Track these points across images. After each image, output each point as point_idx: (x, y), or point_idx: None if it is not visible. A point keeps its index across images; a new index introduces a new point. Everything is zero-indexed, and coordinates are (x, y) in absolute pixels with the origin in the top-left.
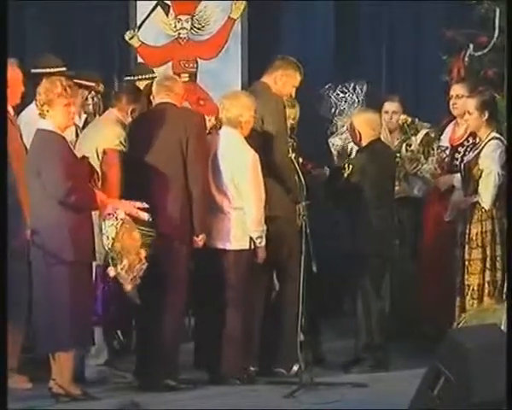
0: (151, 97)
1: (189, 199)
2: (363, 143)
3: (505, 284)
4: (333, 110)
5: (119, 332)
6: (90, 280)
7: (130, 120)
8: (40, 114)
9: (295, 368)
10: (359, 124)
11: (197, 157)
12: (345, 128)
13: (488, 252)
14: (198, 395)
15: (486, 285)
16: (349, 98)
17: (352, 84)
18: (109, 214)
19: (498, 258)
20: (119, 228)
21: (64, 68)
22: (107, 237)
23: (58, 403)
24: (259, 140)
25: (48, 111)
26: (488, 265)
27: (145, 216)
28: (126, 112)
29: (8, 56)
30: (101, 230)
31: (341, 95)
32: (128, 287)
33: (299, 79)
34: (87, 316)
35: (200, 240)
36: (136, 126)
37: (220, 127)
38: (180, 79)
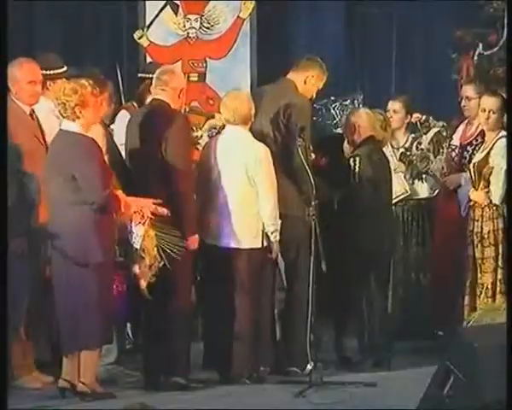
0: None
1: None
2: (360, 139)
3: (498, 284)
4: (333, 122)
5: (129, 331)
6: (112, 278)
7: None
8: (68, 116)
9: (309, 367)
10: (356, 119)
11: (178, 162)
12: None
13: (500, 250)
14: (207, 395)
15: (498, 283)
16: (349, 110)
17: (350, 99)
18: (135, 213)
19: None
20: (146, 226)
21: (65, 68)
22: (136, 236)
23: (82, 402)
24: (281, 138)
25: (80, 112)
26: (500, 263)
27: (164, 211)
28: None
29: (7, 56)
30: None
31: (341, 107)
32: (144, 284)
33: (324, 82)
34: (111, 314)
35: (191, 242)
36: (128, 124)
37: (221, 128)
38: (179, 72)
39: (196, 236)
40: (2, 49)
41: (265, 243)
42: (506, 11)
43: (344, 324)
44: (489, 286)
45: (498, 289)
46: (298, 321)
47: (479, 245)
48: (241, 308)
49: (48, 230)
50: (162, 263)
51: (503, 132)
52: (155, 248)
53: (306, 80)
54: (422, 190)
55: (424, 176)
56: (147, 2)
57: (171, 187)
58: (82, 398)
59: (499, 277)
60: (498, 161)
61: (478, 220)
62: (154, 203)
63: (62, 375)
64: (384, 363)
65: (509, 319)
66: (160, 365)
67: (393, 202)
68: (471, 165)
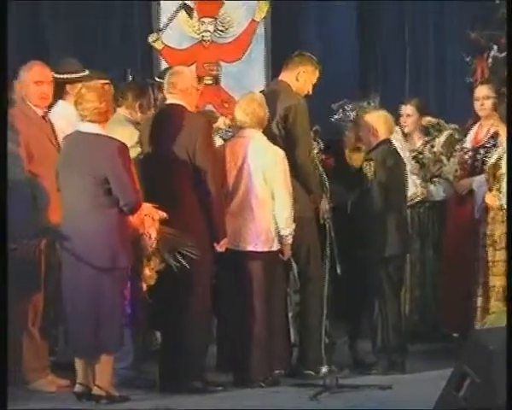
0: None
1: (203, 206)
2: (377, 141)
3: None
4: (350, 123)
5: (157, 334)
6: (127, 282)
7: (139, 115)
8: (104, 119)
9: (324, 370)
10: (374, 121)
11: (207, 165)
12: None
13: None
14: (221, 397)
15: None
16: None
17: (366, 101)
18: (146, 216)
19: None
20: (157, 228)
21: (86, 72)
22: (150, 237)
23: (98, 405)
24: (282, 141)
25: (109, 114)
26: None
27: (163, 215)
28: (134, 108)
29: (7, 56)
30: None
31: (357, 108)
32: (146, 286)
33: (317, 76)
34: (128, 317)
35: (221, 246)
36: (144, 131)
37: (237, 130)
38: (188, 71)
39: (226, 239)
40: (2, 50)
41: (279, 246)
42: (506, 11)
43: (358, 326)
44: (500, 289)
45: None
46: (312, 324)
47: (490, 248)
48: (256, 311)
49: (64, 232)
50: (172, 265)
51: None
52: (166, 251)
53: (298, 77)
54: (437, 192)
55: (437, 179)
56: (161, 5)
57: (202, 190)
58: (97, 401)
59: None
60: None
61: (490, 223)
62: (154, 207)
63: (78, 379)
64: (399, 365)
65: (510, 321)
66: (176, 368)
67: (409, 204)
68: (486, 167)
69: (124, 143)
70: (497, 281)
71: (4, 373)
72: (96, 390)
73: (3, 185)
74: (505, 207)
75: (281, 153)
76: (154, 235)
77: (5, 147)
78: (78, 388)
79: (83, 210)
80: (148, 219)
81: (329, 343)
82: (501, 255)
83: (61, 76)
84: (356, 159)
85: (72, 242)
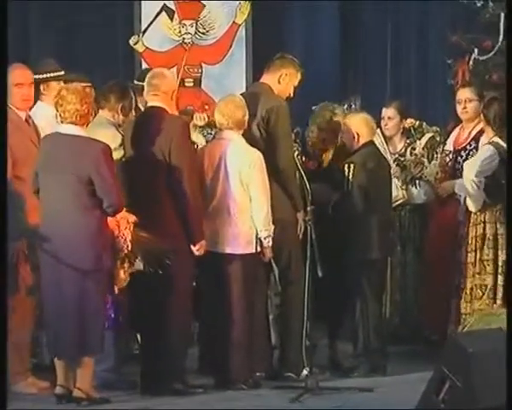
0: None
1: (180, 208)
2: (359, 145)
3: (499, 288)
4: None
5: (138, 336)
6: (109, 283)
7: (121, 118)
8: (85, 121)
9: (305, 372)
10: (356, 124)
11: (183, 166)
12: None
13: (478, 256)
14: (202, 400)
15: (475, 288)
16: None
17: (347, 104)
18: (121, 218)
19: (490, 262)
20: (131, 230)
21: (62, 73)
22: (125, 240)
23: (78, 407)
24: (263, 144)
25: (91, 119)
26: (477, 269)
27: (134, 218)
28: (116, 111)
29: (8, 57)
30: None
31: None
32: (117, 289)
33: (299, 79)
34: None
35: (198, 249)
36: (127, 134)
37: (216, 132)
38: (169, 74)
39: (204, 241)
40: (3, 53)
41: (259, 249)
42: (505, 11)
43: (339, 329)
44: (468, 291)
45: (475, 294)
46: (293, 326)
47: (463, 249)
48: (237, 314)
49: (44, 233)
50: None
51: (492, 139)
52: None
53: (280, 79)
54: (418, 195)
55: (418, 181)
56: (142, 7)
57: (178, 192)
58: (78, 403)
59: (476, 282)
60: (465, 172)
61: (465, 225)
62: (128, 210)
63: (58, 381)
64: (380, 368)
65: (510, 324)
66: (157, 370)
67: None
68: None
69: (107, 145)
70: (468, 283)
71: (4, 373)
72: (76, 392)
73: (3, 185)
74: (470, 209)
75: (258, 154)
76: (128, 237)
77: (5, 147)
78: (58, 390)
79: (64, 211)
80: (123, 221)
81: (310, 346)
82: (470, 258)
83: (38, 76)
84: (324, 159)
85: (54, 243)
